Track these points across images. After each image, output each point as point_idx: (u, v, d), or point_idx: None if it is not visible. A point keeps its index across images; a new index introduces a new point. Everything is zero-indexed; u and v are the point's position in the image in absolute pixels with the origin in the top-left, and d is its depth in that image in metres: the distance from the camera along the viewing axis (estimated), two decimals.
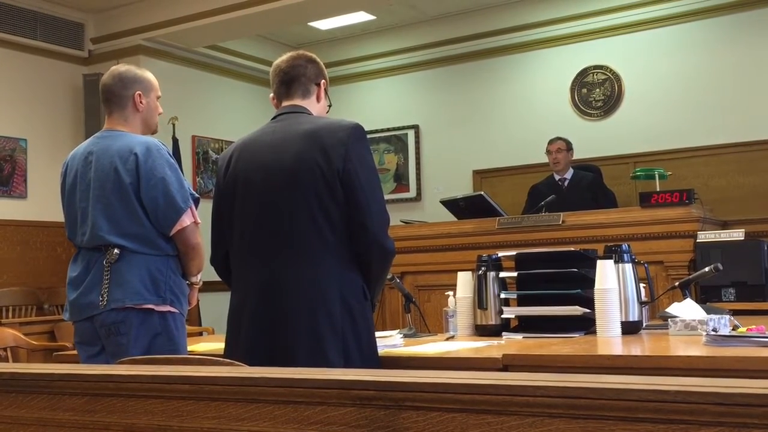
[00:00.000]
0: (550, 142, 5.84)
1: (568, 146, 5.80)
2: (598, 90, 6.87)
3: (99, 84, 2.76)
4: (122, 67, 2.75)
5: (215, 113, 7.53)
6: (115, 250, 2.50)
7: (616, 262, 2.52)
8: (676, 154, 6.36)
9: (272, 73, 2.39)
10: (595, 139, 6.66)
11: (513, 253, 2.86)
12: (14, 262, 6.41)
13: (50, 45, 6.70)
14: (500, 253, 2.87)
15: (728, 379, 0.90)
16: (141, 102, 2.69)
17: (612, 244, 2.65)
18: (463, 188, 6.90)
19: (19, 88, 6.56)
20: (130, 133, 2.65)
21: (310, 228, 2.14)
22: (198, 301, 2.79)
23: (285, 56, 2.39)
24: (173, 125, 6.66)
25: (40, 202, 6.48)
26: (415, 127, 7.72)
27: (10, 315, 6.00)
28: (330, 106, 2.45)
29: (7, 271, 6.34)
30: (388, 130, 7.81)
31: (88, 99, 6.71)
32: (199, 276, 2.70)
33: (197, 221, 2.61)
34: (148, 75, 2.76)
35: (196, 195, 2.66)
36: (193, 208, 2.61)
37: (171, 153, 2.66)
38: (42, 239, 6.56)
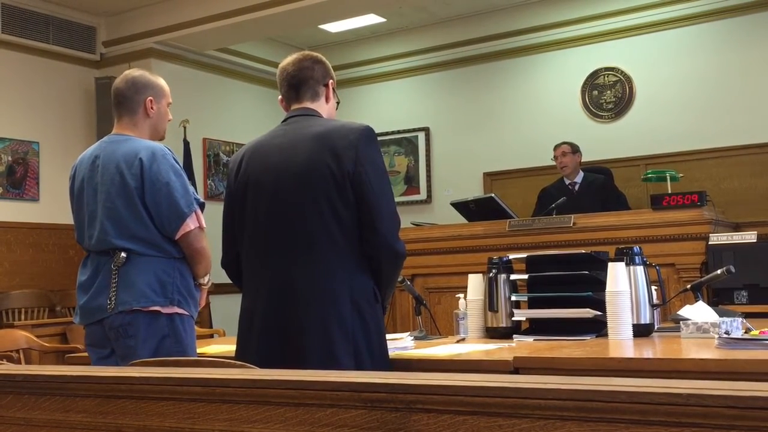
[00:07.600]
0: (555, 147, 5.83)
1: (573, 149, 5.76)
2: (609, 92, 6.85)
3: (111, 88, 2.77)
4: (135, 72, 2.76)
5: (226, 116, 7.55)
6: (122, 254, 2.51)
7: (627, 264, 2.51)
8: (687, 156, 6.33)
9: (279, 77, 2.38)
10: (606, 141, 6.64)
11: (524, 255, 2.86)
12: (27, 264, 6.44)
13: (62, 48, 6.74)
14: (511, 256, 2.86)
15: (741, 382, 0.90)
16: (152, 108, 2.70)
17: (623, 246, 2.64)
18: (474, 190, 6.89)
19: (31, 92, 6.60)
20: (136, 137, 2.66)
21: (320, 230, 2.14)
22: (209, 302, 2.80)
23: (290, 58, 2.37)
24: (184, 128, 6.68)
25: (53, 205, 6.52)
26: (426, 130, 7.72)
27: (23, 317, 6.03)
28: (338, 102, 2.44)
29: (19, 273, 6.38)
30: (399, 132, 7.82)
31: (100, 102, 6.74)
32: (207, 278, 2.70)
33: (202, 226, 2.61)
34: (161, 81, 2.76)
35: (201, 200, 2.66)
36: (199, 212, 2.61)
37: (176, 158, 2.66)
38: (54, 241, 6.60)
